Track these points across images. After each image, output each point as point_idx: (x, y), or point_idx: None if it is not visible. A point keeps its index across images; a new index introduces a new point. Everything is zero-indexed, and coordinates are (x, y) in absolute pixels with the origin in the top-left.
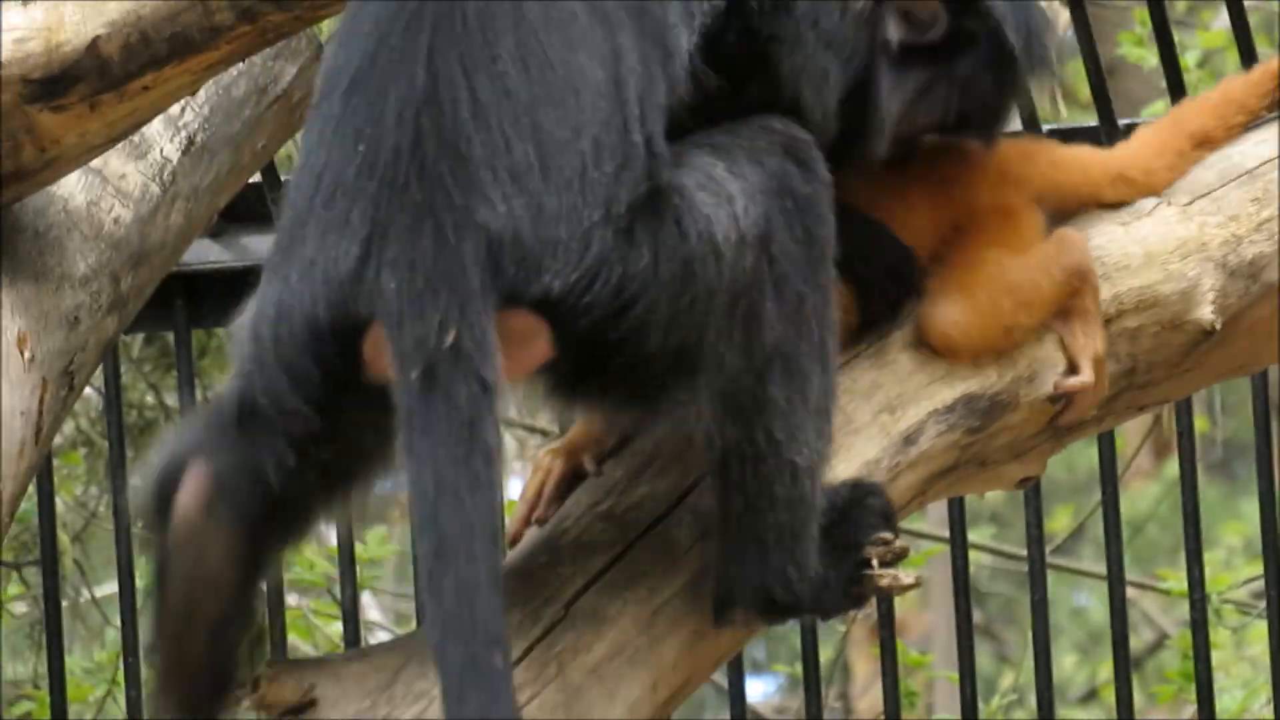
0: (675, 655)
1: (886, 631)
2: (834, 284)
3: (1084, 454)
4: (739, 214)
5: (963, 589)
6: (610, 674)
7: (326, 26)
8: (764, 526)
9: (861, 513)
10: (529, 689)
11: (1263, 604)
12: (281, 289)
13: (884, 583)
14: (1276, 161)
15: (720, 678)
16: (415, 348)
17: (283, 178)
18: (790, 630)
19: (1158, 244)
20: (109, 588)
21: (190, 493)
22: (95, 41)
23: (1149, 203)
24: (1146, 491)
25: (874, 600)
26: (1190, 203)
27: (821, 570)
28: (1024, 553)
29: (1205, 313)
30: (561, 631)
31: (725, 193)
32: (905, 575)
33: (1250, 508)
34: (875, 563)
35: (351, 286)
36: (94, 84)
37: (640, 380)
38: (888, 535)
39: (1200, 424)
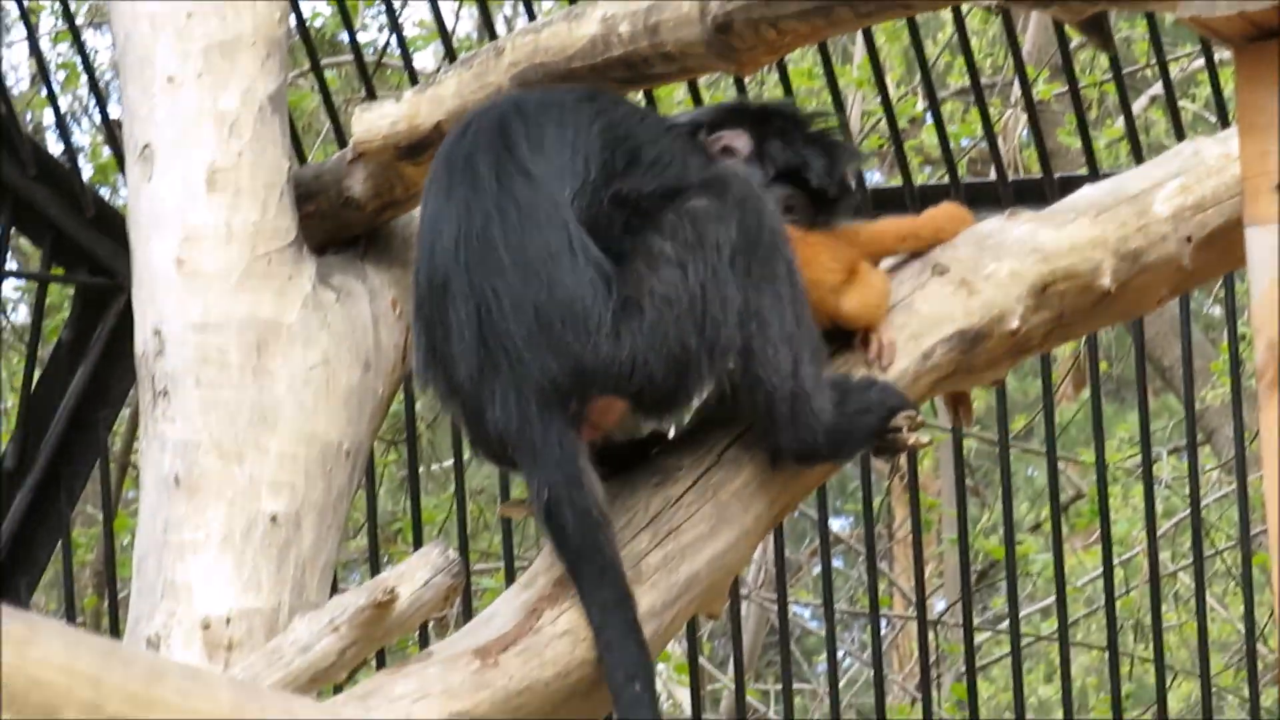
0: (783, 484)
1: (913, 484)
2: (781, 242)
3: (1034, 385)
4: (674, 257)
5: (958, 461)
6: (745, 496)
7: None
8: (777, 414)
9: (872, 390)
10: (695, 505)
11: (1139, 471)
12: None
13: (910, 441)
14: (1151, 190)
15: (811, 512)
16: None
17: None
18: (856, 486)
19: (1078, 239)
20: (447, 461)
21: None
22: (438, 124)
23: (1071, 214)
24: (1070, 409)
25: (905, 461)
26: (1098, 215)
27: (837, 423)
28: (996, 439)
29: (1105, 281)
30: (716, 470)
31: (664, 254)
32: (923, 437)
33: (1131, 417)
34: (905, 428)
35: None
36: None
37: (672, 385)
38: (912, 413)
39: (1103, 365)
